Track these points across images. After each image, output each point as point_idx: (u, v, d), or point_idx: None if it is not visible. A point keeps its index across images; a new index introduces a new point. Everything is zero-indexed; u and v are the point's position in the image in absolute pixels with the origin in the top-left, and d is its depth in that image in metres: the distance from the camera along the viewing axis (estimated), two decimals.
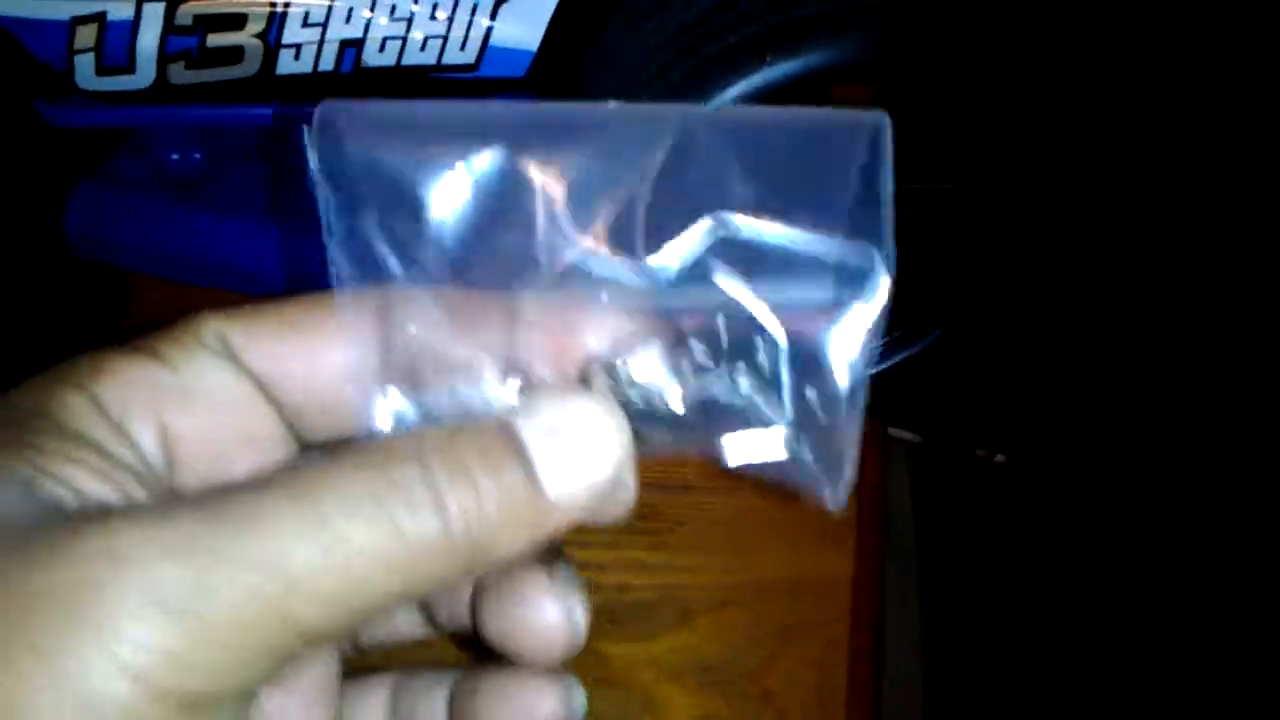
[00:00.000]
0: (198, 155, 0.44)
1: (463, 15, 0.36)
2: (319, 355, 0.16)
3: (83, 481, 0.14)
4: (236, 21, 0.35)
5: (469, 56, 0.37)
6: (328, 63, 0.36)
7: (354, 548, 0.13)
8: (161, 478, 0.15)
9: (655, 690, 0.34)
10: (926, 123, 0.36)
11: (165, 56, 0.35)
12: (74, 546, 0.12)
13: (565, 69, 0.37)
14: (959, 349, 0.40)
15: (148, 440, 0.15)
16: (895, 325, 0.38)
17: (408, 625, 0.20)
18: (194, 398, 0.16)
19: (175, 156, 0.44)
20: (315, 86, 0.37)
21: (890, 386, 0.41)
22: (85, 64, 0.35)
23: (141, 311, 0.44)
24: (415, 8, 0.35)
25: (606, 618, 0.35)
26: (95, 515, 0.13)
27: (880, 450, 0.45)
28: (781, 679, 0.34)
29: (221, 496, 0.13)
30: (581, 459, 0.14)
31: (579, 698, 0.18)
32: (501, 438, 0.14)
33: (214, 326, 0.16)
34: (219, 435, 0.16)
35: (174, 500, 0.14)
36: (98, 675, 0.12)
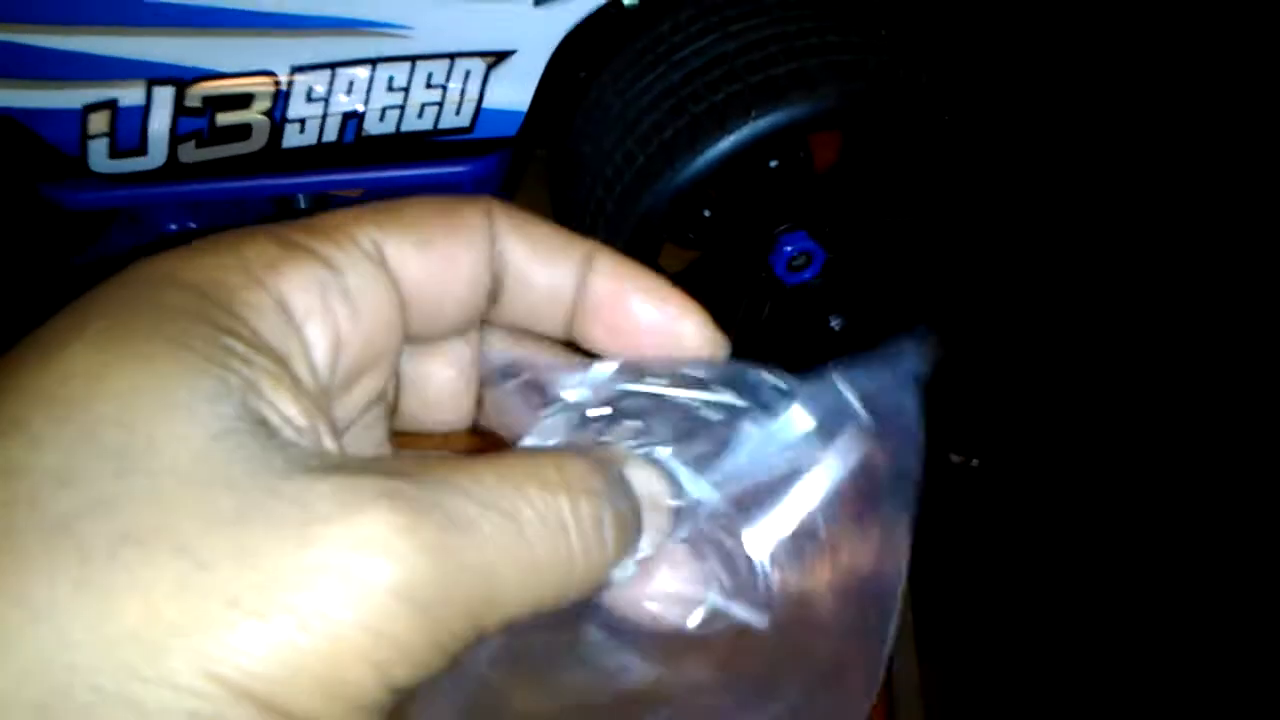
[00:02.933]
0: (194, 225, 0.46)
1: (456, 82, 0.38)
2: (456, 268, 0.15)
3: (285, 404, 0.13)
4: (243, 101, 0.37)
5: (464, 120, 0.39)
6: (331, 134, 0.38)
7: (544, 576, 0.13)
8: (328, 390, 0.14)
9: None
10: (896, 159, 0.38)
11: (176, 137, 0.37)
12: (328, 526, 0.12)
13: (556, 127, 0.40)
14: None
15: (321, 350, 0.14)
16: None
17: None
18: (359, 305, 0.15)
19: (173, 227, 0.46)
20: (320, 156, 0.39)
21: None
22: (98, 148, 0.37)
23: None
24: (412, 80, 0.38)
25: None
26: (335, 476, 0.12)
27: None
28: None
29: (450, 489, 0.13)
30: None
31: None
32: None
33: (370, 231, 0.15)
34: (372, 345, 0.15)
35: (416, 475, 0.13)
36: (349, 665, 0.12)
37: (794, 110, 0.30)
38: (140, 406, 0.12)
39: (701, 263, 0.38)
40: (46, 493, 0.11)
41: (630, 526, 0.15)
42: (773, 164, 0.34)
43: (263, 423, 0.13)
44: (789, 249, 0.35)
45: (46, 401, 0.12)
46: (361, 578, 0.12)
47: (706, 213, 0.35)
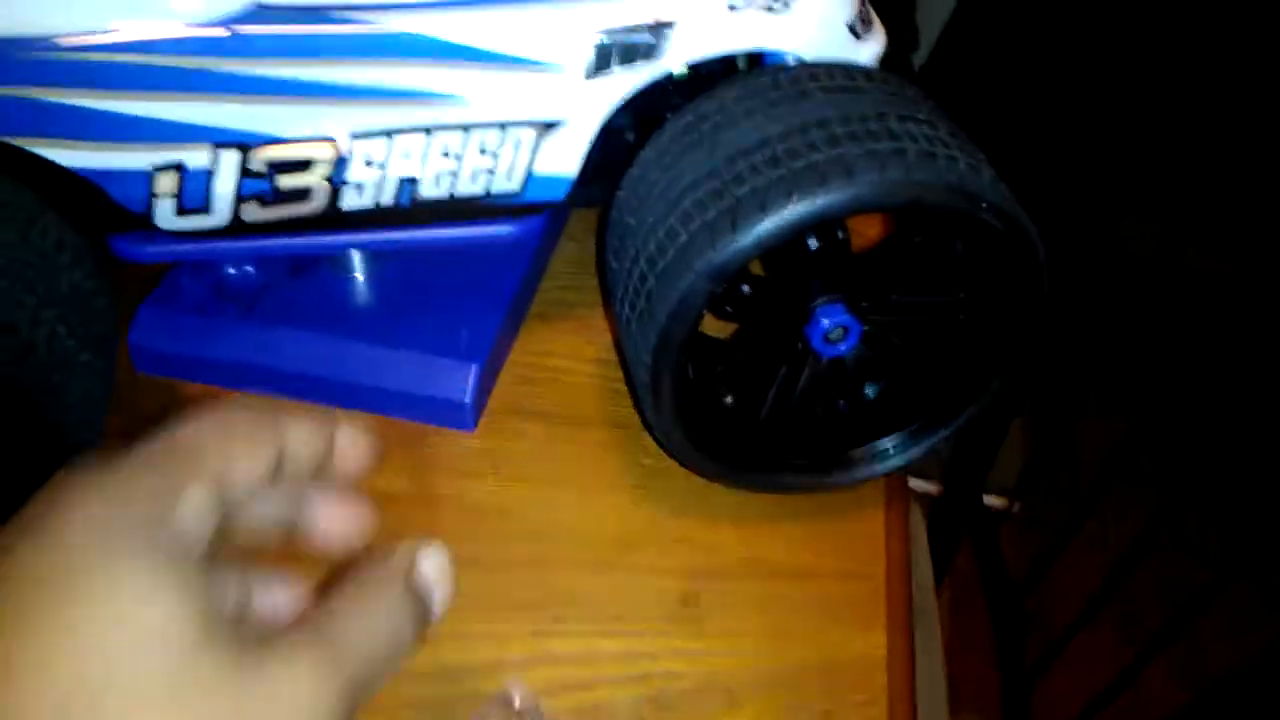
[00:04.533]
0: (252, 269, 0.47)
1: (508, 151, 0.40)
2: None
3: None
4: (305, 165, 0.38)
5: (514, 185, 0.41)
6: (388, 198, 0.40)
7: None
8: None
9: None
10: (933, 242, 0.39)
11: (240, 198, 0.39)
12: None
13: (603, 196, 0.41)
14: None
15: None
16: (925, 413, 0.41)
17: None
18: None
19: (232, 271, 0.47)
20: (376, 217, 0.41)
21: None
22: (165, 207, 0.39)
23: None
24: (466, 148, 0.39)
25: (660, 706, 0.37)
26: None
27: (903, 512, 0.47)
28: None
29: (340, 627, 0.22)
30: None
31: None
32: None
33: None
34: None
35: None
36: None
37: (832, 197, 0.31)
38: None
39: (740, 334, 0.39)
40: None
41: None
42: (811, 243, 0.35)
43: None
44: (826, 323, 0.36)
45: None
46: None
47: (745, 288, 0.36)
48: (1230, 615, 0.88)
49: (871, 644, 0.40)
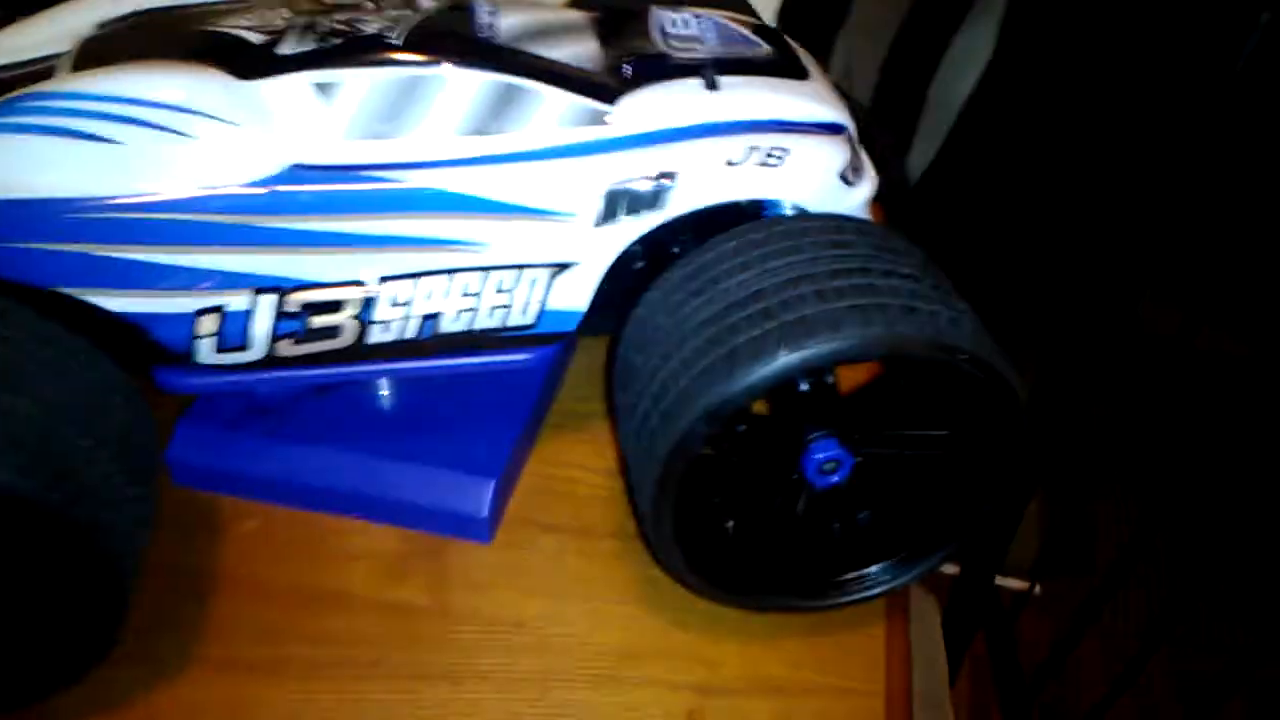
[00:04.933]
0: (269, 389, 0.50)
1: (523, 289, 0.43)
2: None
3: None
4: (335, 306, 0.42)
5: (528, 319, 0.44)
6: (411, 332, 0.43)
7: None
8: None
9: None
10: (917, 387, 0.42)
11: (275, 337, 0.42)
12: None
13: (612, 324, 0.44)
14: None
15: None
16: (913, 542, 0.43)
17: None
18: None
19: (258, 391, 0.50)
20: (399, 349, 0.44)
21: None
22: (205, 346, 0.42)
23: None
24: (484, 288, 0.42)
25: None
26: None
27: (904, 626, 0.49)
28: None
29: None
30: None
31: None
32: None
33: None
34: None
35: None
36: None
37: (819, 349, 0.33)
38: None
39: (739, 467, 0.41)
40: None
41: None
42: (803, 387, 0.37)
43: None
44: (819, 456, 0.38)
45: None
46: None
47: (741, 428, 0.39)
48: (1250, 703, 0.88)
49: None
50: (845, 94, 0.48)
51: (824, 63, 1.06)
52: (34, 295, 0.38)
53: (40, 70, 0.41)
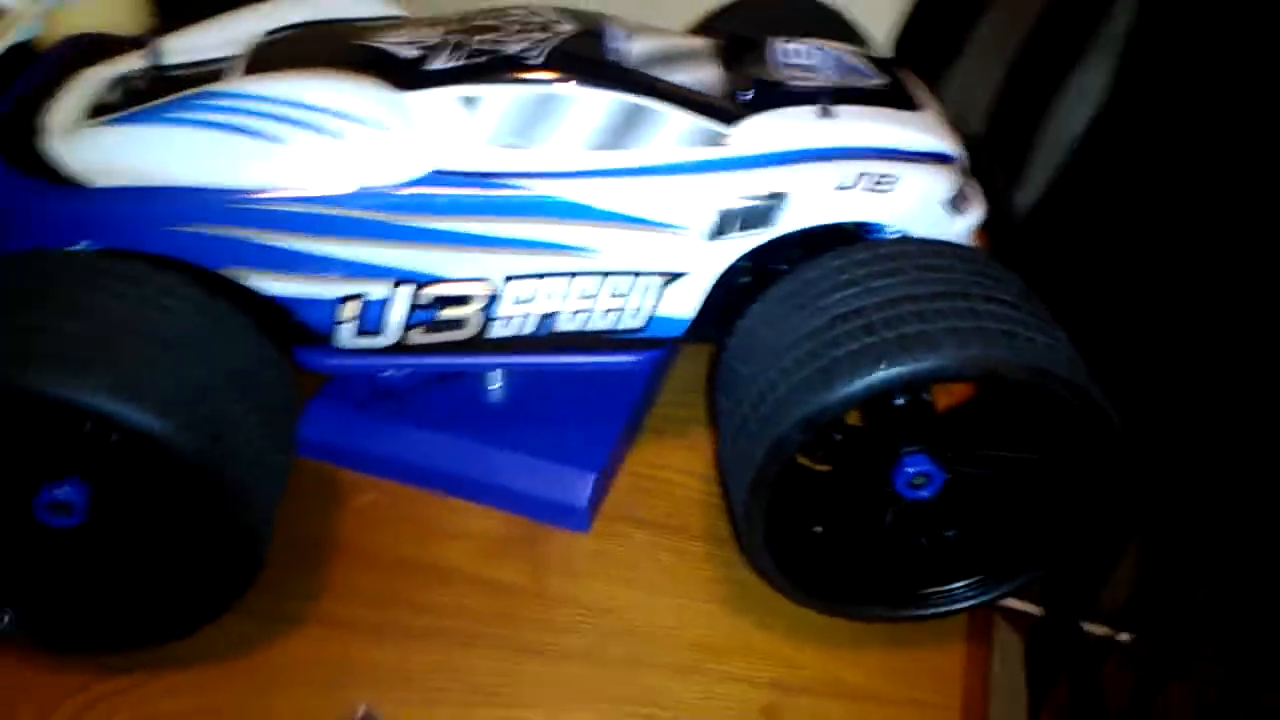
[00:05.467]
0: (393, 374, 0.54)
1: (636, 295, 0.45)
2: None
3: None
4: (463, 301, 0.45)
5: (639, 322, 0.46)
6: (529, 328, 0.46)
7: None
8: None
9: None
10: (1011, 409, 0.43)
11: (408, 325, 0.45)
12: None
13: (716, 334, 0.46)
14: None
15: None
16: (997, 563, 0.44)
17: None
18: None
19: (389, 372, 0.54)
20: (517, 344, 0.47)
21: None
22: (346, 330, 0.46)
23: None
24: (600, 291, 0.45)
25: None
26: None
27: (985, 647, 0.49)
28: None
29: None
30: None
31: None
32: None
33: None
34: None
35: None
36: None
37: (916, 366, 0.35)
38: None
39: (832, 474, 0.43)
40: None
41: None
42: (898, 402, 0.39)
43: None
44: (910, 470, 0.40)
45: None
46: None
47: (837, 436, 0.41)
48: None
49: None
50: (959, 125, 0.49)
51: (937, 94, 1.07)
52: (202, 274, 0.42)
53: (211, 71, 0.46)
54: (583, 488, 0.51)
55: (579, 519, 0.51)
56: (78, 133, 0.43)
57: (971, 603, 0.44)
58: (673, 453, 0.55)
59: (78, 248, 0.42)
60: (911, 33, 1.01)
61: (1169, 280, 0.90)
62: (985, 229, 0.48)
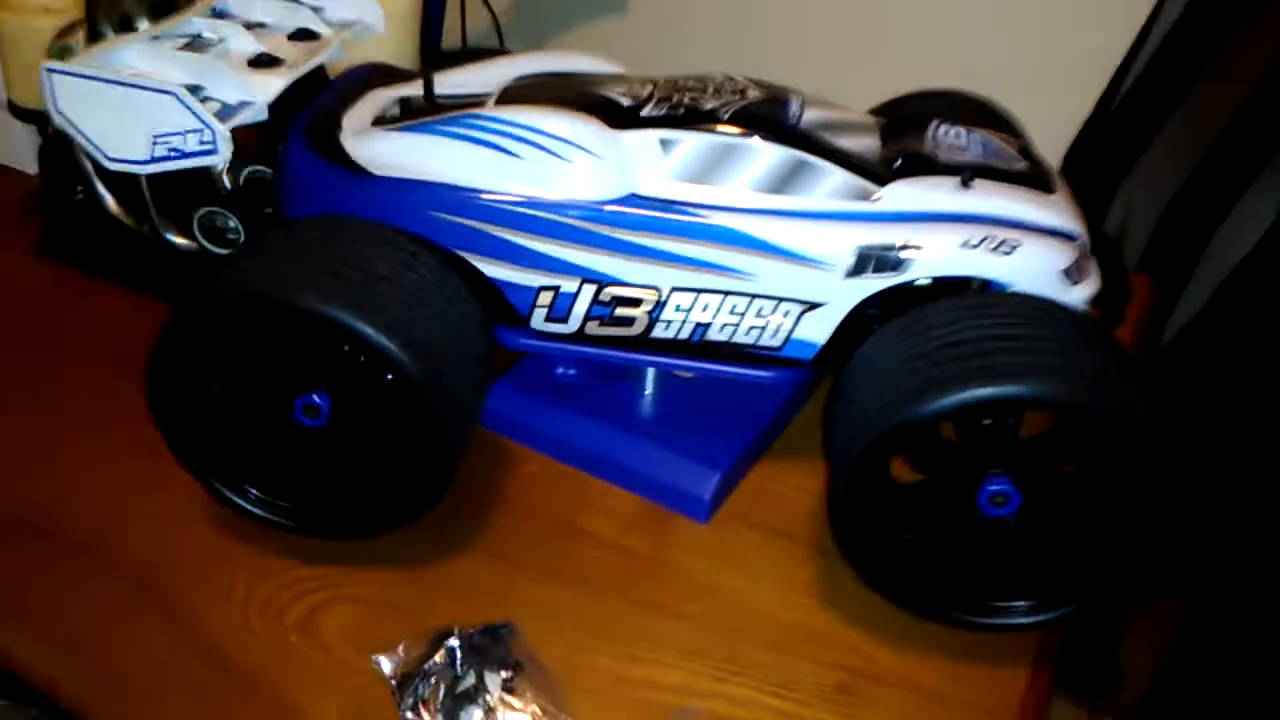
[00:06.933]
0: (573, 372, 0.64)
1: (778, 317, 0.54)
2: None
3: None
4: (635, 303, 0.55)
5: (777, 341, 0.55)
6: (685, 334, 0.55)
7: None
8: None
9: None
10: (1087, 442, 0.48)
11: (588, 317, 0.56)
12: None
13: (840, 363, 0.54)
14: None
15: None
16: (1059, 586, 0.49)
17: None
18: None
19: (560, 370, 0.64)
20: (672, 347, 0.56)
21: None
22: (539, 314, 0.56)
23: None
24: (748, 310, 0.54)
25: None
26: None
27: (1048, 671, 0.52)
28: None
29: None
30: None
31: None
32: None
33: None
34: None
35: None
36: None
37: (998, 391, 0.42)
38: None
39: (924, 483, 0.50)
40: None
41: None
42: (986, 422, 0.46)
43: None
44: (992, 488, 0.46)
45: None
46: None
47: (929, 447, 0.47)
48: None
49: None
50: (1089, 215, 0.56)
51: (1106, 208, 1.12)
52: (440, 251, 0.54)
53: (470, 101, 0.58)
54: (708, 483, 0.59)
55: (701, 510, 0.59)
56: (367, 135, 0.56)
57: (1025, 620, 0.49)
58: (793, 472, 0.63)
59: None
60: (1080, 152, 1.07)
61: None
62: (1098, 305, 0.54)
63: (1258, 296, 0.96)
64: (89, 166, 0.70)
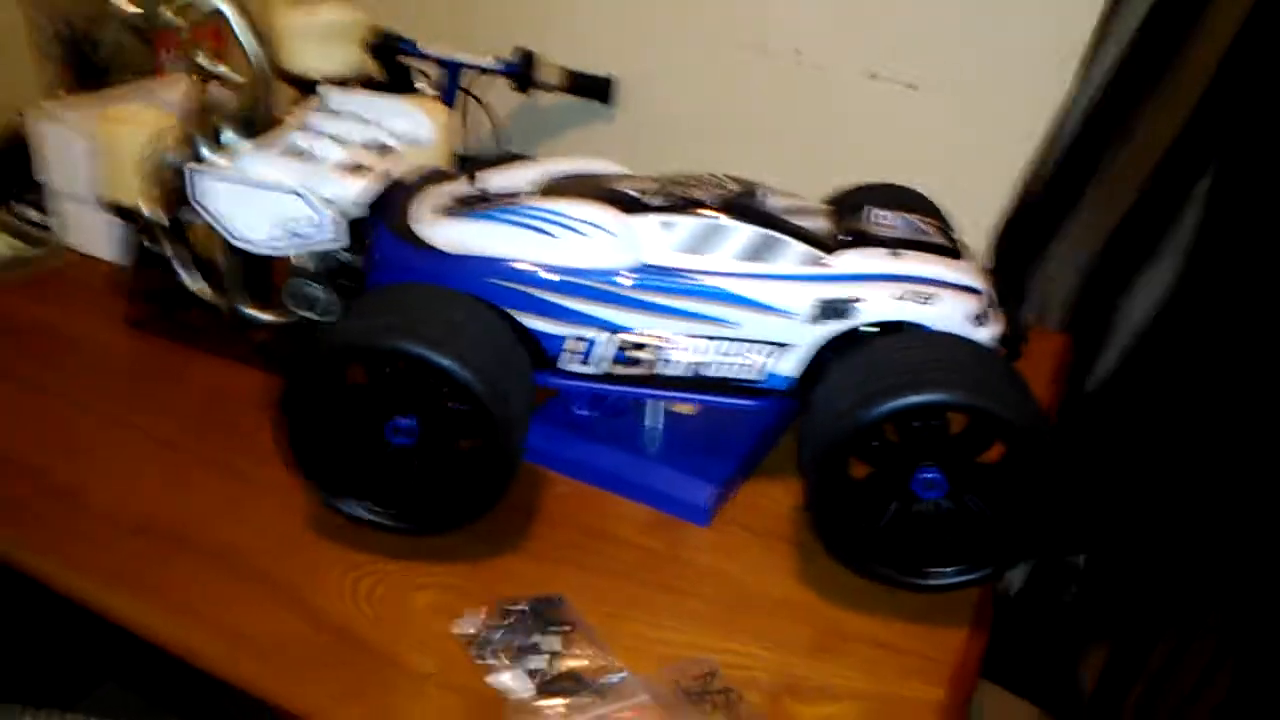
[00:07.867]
0: (585, 412, 0.79)
1: (758, 356, 0.69)
2: None
3: None
4: (644, 347, 0.70)
5: (760, 376, 0.70)
6: (686, 372, 0.71)
7: None
8: None
9: None
10: (1000, 441, 0.64)
11: (607, 359, 0.71)
12: None
13: (808, 389, 0.69)
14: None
15: None
16: (980, 553, 0.64)
17: None
18: None
19: (578, 410, 0.79)
20: (673, 383, 0.71)
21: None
22: (567, 358, 0.71)
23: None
24: (734, 351, 0.69)
25: (774, 691, 0.61)
26: None
27: (984, 635, 0.67)
28: None
29: None
30: None
31: None
32: None
33: None
34: None
35: None
36: None
37: (923, 398, 0.57)
38: None
39: (872, 475, 0.65)
40: None
41: None
42: (915, 424, 0.61)
43: None
44: (924, 476, 0.61)
45: None
46: None
47: (875, 444, 0.63)
48: None
49: (931, 694, 0.61)
50: (1009, 280, 0.72)
51: (1030, 277, 1.29)
52: (495, 309, 0.69)
53: (514, 194, 0.74)
54: (706, 494, 0.74)
55: (702, 516, 0.74)
56: (432, 221, 0.72)
57: (954, 580, 0.64)
58: (774, 487, 0.77)
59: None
60: (1009, 231, 1.25)
61: (1221, 451, 1.08)
62: (1003, 344, 0.70)
63: (1164, 352, 1.13)
64: (171, 251, 0.84)
